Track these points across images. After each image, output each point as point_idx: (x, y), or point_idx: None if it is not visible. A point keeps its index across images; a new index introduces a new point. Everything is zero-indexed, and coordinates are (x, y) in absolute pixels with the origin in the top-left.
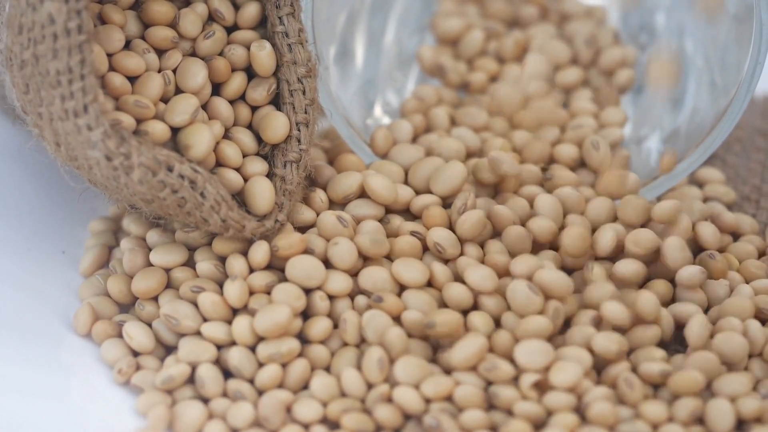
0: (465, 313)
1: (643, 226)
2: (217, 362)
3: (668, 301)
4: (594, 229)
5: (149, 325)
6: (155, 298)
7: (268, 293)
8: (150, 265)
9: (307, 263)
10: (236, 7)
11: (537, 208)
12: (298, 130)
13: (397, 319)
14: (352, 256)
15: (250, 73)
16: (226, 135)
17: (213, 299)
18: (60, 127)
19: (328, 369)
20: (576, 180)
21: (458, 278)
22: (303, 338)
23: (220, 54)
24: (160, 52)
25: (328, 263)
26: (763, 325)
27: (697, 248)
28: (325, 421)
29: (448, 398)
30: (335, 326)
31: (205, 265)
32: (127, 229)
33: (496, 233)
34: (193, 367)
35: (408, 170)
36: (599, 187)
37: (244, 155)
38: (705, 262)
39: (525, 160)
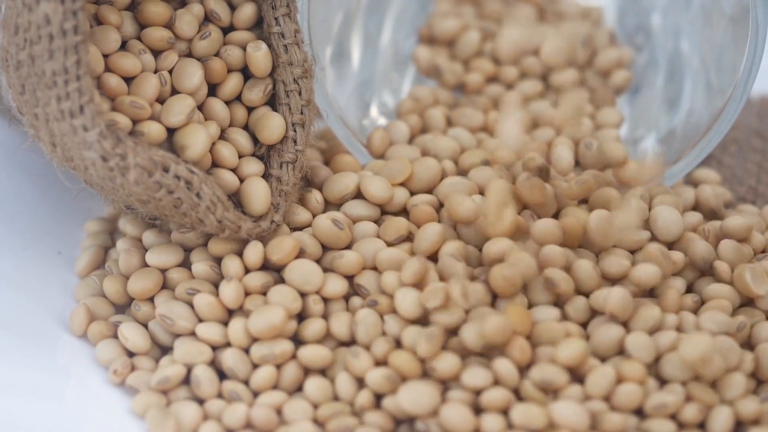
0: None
1: None
2: (212, 363)
3: None
4: None
5: (145, 325)
6: (151, 299)
7: (264, 294)
8: (146, 265)
9: (305, 268)
10: (232, 8)
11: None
12: (294, 130)
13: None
14: (358, 267)
15: (246, 73)
16: (222, 136)
17: (208, 300)
18: (56, 128)
19: (322, 371)
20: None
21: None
22: (298, 340)
23: (216, 55)
24: (156, 53)
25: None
26: None
27: None
28: (317, 422)
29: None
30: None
31: (200, 266)
32: (123, 229)
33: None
34: (189, 368)
35: None
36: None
37: (240, 156)
38: None
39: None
